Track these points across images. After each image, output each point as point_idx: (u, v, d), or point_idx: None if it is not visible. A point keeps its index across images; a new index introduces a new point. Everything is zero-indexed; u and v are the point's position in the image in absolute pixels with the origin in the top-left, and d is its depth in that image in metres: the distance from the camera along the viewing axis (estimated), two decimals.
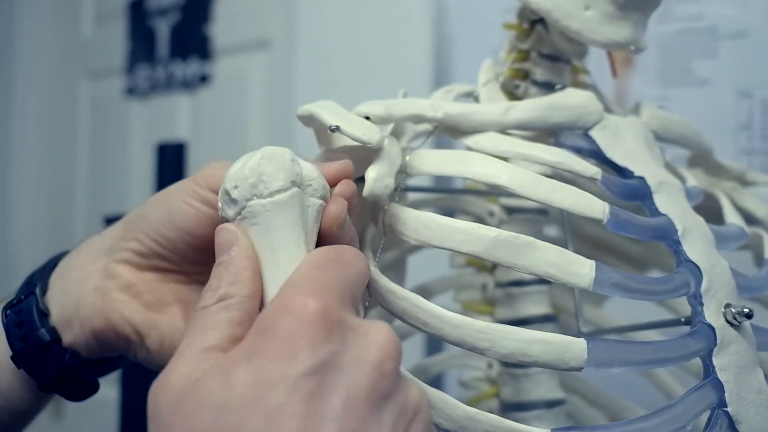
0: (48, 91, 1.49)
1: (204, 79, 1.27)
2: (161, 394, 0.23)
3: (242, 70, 1.22)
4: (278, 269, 0.26)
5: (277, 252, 0.27)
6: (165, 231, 0.35)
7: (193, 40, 1.28)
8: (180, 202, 0.34)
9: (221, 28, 1.25)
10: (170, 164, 0.80)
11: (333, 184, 0.30)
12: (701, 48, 0.73)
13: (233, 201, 0.27)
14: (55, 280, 0.37)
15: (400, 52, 0.97)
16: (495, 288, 0.44)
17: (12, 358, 0.35)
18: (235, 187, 0.27)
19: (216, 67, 1.26)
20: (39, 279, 0.37)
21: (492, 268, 0.45)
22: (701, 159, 0.45)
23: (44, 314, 0.36)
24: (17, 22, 1.47)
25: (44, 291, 0.37)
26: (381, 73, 0.98)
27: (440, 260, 0.47)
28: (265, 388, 0.21)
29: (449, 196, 0.46)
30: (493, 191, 0.43)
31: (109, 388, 0.87)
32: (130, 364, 0.39)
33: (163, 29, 1.34)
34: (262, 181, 0.27)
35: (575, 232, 0.47)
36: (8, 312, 0.36)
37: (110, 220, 0.75)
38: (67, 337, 0.36)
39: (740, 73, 0.71)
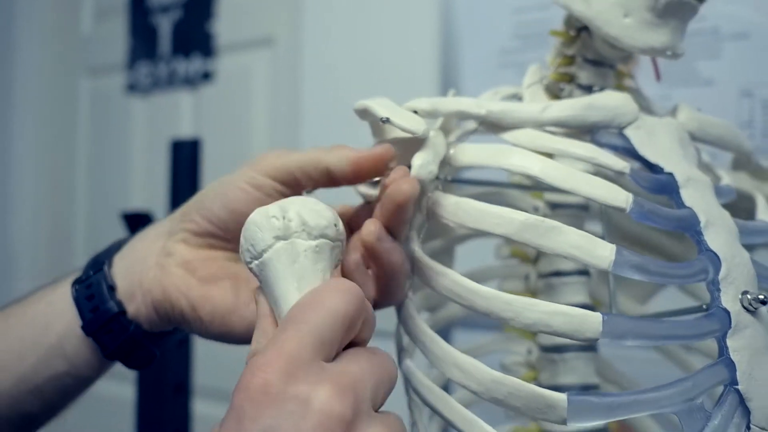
0: (48, 87, 1.46)
1: (207, 76, 1.26)
2: None
3: (246, 68, 1.21)
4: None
5: (277, 307, 0.29)
6: (218, 212, 0.39)
7: (195, 37, 1.27)
8: (234, 187, 0.39)
9: (224, 26, 1.24)
10: (185, 161, 0.80)
11: (376, 167, 0.34)
12: (704, 49, 0.73)
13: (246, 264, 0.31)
14: (120, 258, 0.42)
15: (406, 51, 0.97)
16: (537, 278, 0.47)
17: (82, 327, 0.40)
18: (242, 252, 0.31)
19: (219, 65, 1.25)
20: (106, 257, 0.42)
21: (534, 259, 0.48)
22: (743, 161, 0.46)
23: (112, 288, 0.41)
24: (16, 18, 1.44)
25: (110, 268, 0.42)
26: (387, 71, 0.98)
27: (487, 251, 0.51)
28: None
29: (496, 191, 0.49)
30: (534, 185, 0.46)
31: (126, 388, 0.90)
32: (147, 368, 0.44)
33: (165, 26, 1.33)
34: (252, 245, 0.30)
35: (618, 231, 0.50)
36: (77, 287, 0.41)
37: (128, 216, 0.78)
38: (131, 309, 0.41)
39: (742, 74, 0.72)
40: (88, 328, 0.40)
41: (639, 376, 0.49)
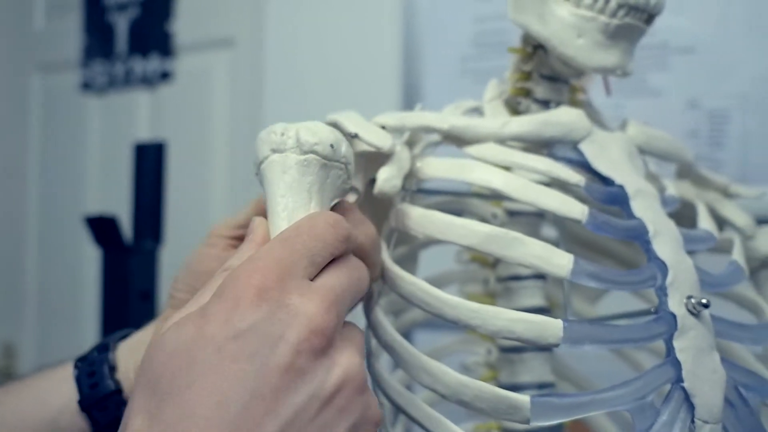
0: None
1: (165, 76, 1.25)
2: (154, 337, 0.28)
3: (206, 69, 1.21)
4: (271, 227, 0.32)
5: (269, 213, 0.32)
6: (187, 279, 0.43)
7: (153, 36, 1.27)
8: (195, 253, 0.44)
9: (184, 25, 1.23)
10: (149, 165, 0.78)
11: None
12: (654, 62, 0.78)
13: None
14: (125, 343, 0.45)
15: (369, 56, 0.98)
16: (496, 282, 0.49)
17: (79, 402, 0.42)
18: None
19: (178, 65, 1.24)
20: (112, 340, 0.45)
21: (493, 264, 0.50)
22: (686, 171, 0.50)
23: (112, 368, 0.43)
24: None
25: (114, 351, 0.44)
26: (349, 76, 0.99)
27: (448, 257, 0.53)
28: (199, 344, 0.25)
29: (457, 199, 0.52)
30: (493, 194, 0.48)
31: None
32: None
33: (121, 24, 1.32)
34: (256, 157, 0.33)
35: (572, 236, 0.52)
36: (80, 364, 0.44)
37: (91, 220, 0.77)
38: (127, 387, 0.42)
39: (689, 85, 0.76)
40: (84, 402, 0.42)
41: (591, 372, 0.52)
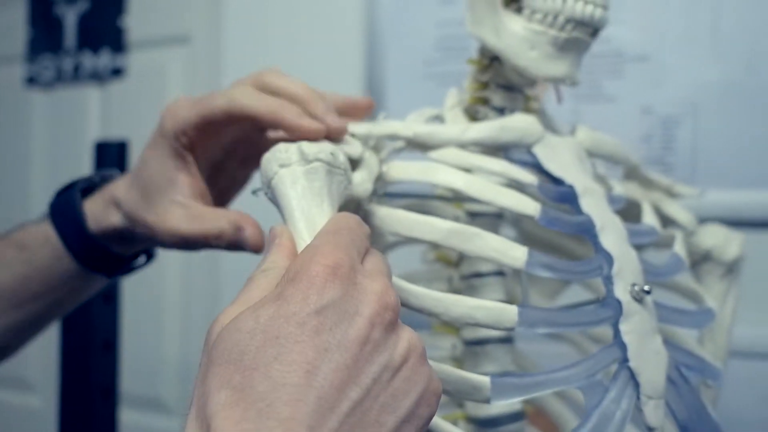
0: None
1: (117, 72, 1.22)
2: (211, 331, 0.29)
3: (160, 66, 1.18)
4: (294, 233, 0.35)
5: (286, 223, 0.35)
6: (135, 180, 0.49)
7: (104, 31, 1.23)
8: (141, 157, 0.49)
9: (137, 21, 1.21)
10: (111, 165, 0.77)
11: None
12: (609, 69, 0.82)
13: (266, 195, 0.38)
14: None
15: (331, 57, 0.99)
16: (459, 280, 0.52)
17: (50, 210, 0.50)
18: (262, 187, 0.38)
19: (131, 61, 1.21)
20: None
21: (456, 263, 0.53)
22: (632, 173, 0.53)
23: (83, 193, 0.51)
24: None
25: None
26: (310, 77, 0.98)
27: (413, 257, 0.56)
28: (281, 321, 0.27)
29: (421, 202, 0.55)
30: (456, 196, 0.51)
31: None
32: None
33: (70, 17, 1.28)
34: (264, 176, 0.37)
35: (528, 235, 0.56)
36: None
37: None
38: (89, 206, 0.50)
39: (642, 92, 0.81)
40: (53, 209, 0.49)
41: (549, 363, 0.55)
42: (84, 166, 1.19)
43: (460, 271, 0.52)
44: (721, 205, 0.74)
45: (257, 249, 0.45)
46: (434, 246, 0.54)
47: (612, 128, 0.79)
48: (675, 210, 0.53)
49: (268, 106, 0.42)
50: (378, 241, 0.52)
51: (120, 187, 0.48)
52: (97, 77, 1.24)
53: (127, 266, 0.53)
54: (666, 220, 0.53)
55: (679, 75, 0.81)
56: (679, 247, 0.46)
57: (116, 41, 1.22)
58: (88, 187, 0.51)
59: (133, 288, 0.84)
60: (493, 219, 0.52)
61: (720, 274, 0.54)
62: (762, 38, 0.78)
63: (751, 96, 0.78)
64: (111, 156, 0.77)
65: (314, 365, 0.26)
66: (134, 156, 0.88)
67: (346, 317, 0.28)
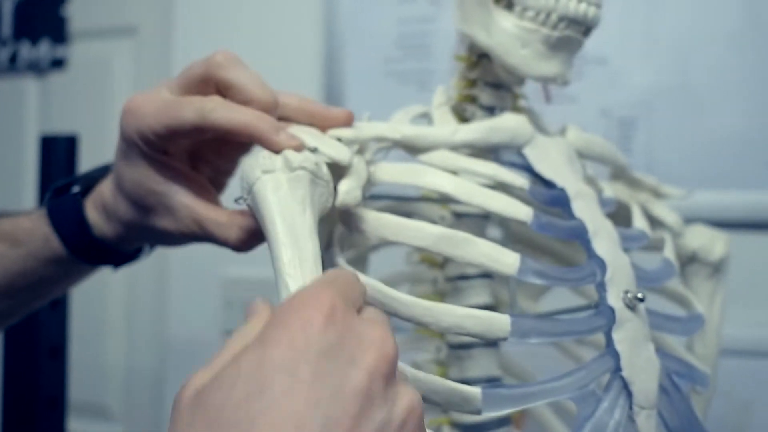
0: None
1: (58, 63, 1.17)
2: (180, 397, 0.26)
3: (105, 57, 1.15)
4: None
5: (264, 228, 0.34)
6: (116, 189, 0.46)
7: (44, 20, 1.18)
8: (116, 170, 0.46)
9: (80, 11, 1.17)
10: (58, 159, 0.73)
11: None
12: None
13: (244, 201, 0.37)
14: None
15: (288, 54, 0.97)
16: (444, 282, 0.51)
17: (48, 201, 0.48)
18: (241, 192, 0.36)
19: (73, 52, 1.17)
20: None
21: (442, 264, 0.52)
22: (620, 174, 0.53)
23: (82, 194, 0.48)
24: None
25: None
26: (266, 72, 0.97)
27: (398, 258, 0.55)
28: (267, 369, 0.24)
29: (405, 203, 0.53)
30: (443, 199, 0.50)
31: None
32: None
33: (6, 5, 1.22)
34: (245, 182, 0.36)
35: (515, 236, 0.55)
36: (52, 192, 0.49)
37: None
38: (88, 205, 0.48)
39: (601, 94, 0.81)
40: (55, 214, 0.47)
41: (536, 368, 0.54)
42: (25, 161, 1.16)
43: (446, 273, 0.51)
44: (675, 205, 0.75)
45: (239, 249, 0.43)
46: (398, 244, 0.53)
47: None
48: (662, 211, 0.53)
49: (241, 122, 0.39)
50: (361, 242, 0.51)
51: (107, 196, 0.46)
52: (36, 68, 1.19)
53: (134, 256, 0.52)
54: (653, 221, 0.52)
55: (635, 77, 0.82)
56: (669, 252, 0.45)
57: (57, 31, 1.18)
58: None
59: (76, 293, 0.81)
60: (479, 220, 0.50)
61: (707, 274, 0.54)
62: (714, 42, 0.79)
63: (703, 98, 0.79)
64: (59, 151, 0.72)
65: (304, 420, 0.23)
66: (84, 151, 0.86)
67: (343, 366, 0.25)
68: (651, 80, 0.81)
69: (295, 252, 0.32)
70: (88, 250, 0.48)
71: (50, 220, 0.47)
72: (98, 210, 0.47)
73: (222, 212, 0.42)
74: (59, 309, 0.73)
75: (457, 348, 0.50)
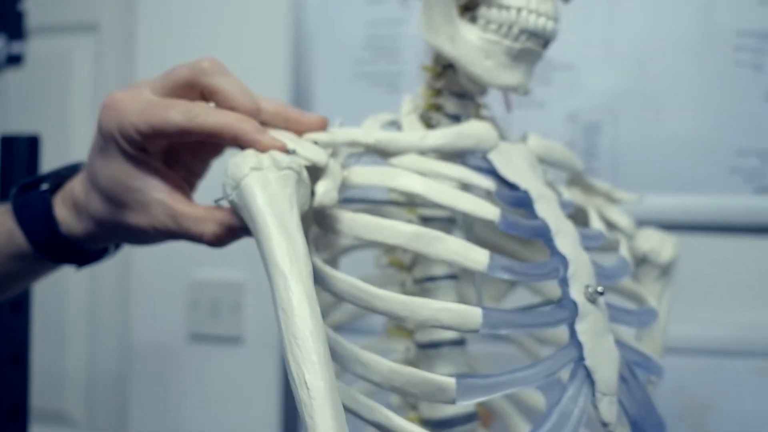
0: None
1: (14, 59, 1.12)
2: None
3: (64, 54, 1.13)
4: None
5: (252, 223, 0.36)
6: (89, 185, 0.46)
7: (0, 15, 1.12)
8: (90, 164, 0.46)
9: (38, 6, 1.13)
10: (20, 161, 0.71)
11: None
12: (537, 77, 0.86)
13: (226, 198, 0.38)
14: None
15: (255, 53, 0.97)
16: (412, 284, 0.53)
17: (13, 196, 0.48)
18: (224, 189, 0.38)
19: (31, 49, 1.12)
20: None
21: (409, 267, 0.54)
22: (576, 179, 0.56)
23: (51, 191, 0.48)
24: None
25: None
26: (233, 72, 0.95)
27: (366, 262, 0.56)
28: None
29: (375, 207, 0.55)
30: (411, 202, 0.52)
31: None
32: None
33: None
34: (232, 178, 0.37)
35: (478, 239, 0.57)
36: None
37: None
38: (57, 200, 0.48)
39: (568, 100, 0.85)
40: (20, 210, 0.47)
41: (500, 368, 0.56)
42: None
43: (413, 275, 0.53)
44: (635, 209, 0.79)
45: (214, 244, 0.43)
46: (388, 250, 0.55)
47: (539, 133, 0.84)
48: (615, 215, 0.56)
49: (227, 124, 0.40)
50: (333, 245, 0.53)
51: (79, 192, 0.47)
52: None
53: (99, 256, 0.51)
54: (608, 224, 0.55)
55: (599, 83, 0.85)
56: (624, 251, 0.48)
57: (14, 27, 1.12)
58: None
59: (36, 294, 0.80)
60: (445, 223, 0.53)
61: (656, 275, 0.57)
62: (671, 48, 0.83)
63: (662, 103, 0.83)
64: (20, 151, 0.70)
65: None
66: (46, 152, 0.84)
67: None
68: (613, 86, 0.85)
69: (289, 246, 0.33)
70: (53, 247, 0.47)
71: (15, 216, 0.47)
72: (68, 207, 0.47)
73: (198, 207, 0.43)
74: (20, 315, 0.71)
75: (426, 347, 0.51)
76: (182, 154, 0.48)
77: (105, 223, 0.45)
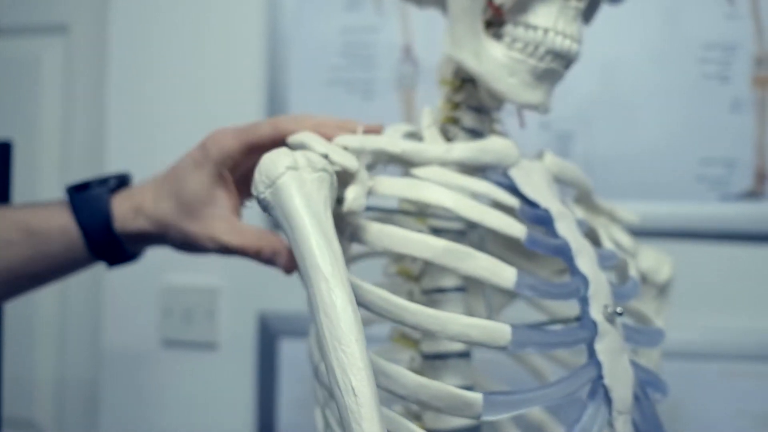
0: None
1: None
2: None
3: (33, 56, 1.10)
4: None
5: (287, 222, 0.35)
6: (171, 195, 0.53)
7: None
8: (180, 170, 0.53)
9: (6, 6, 1.11)
10: None
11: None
12: None
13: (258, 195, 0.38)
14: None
15: (230, 58, 0.96)
16: (420, 294, 0.53)
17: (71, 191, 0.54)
18: (255, 185, 0.38)
19: None
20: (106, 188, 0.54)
21: (417, 277, 0.54)
22: (584, 198, 0.57)
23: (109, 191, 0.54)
24: None
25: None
26: (207, 76, 0.96)
27: (374, 271, 0.56)
28: None
29: (385, 215, 0.55)
30: (422, 212, 0.52)
31: None
32: None
33: None
34: (266, 176, 0.36)
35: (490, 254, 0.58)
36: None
37: None
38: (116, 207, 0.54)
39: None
40: (79, 204, 0.53)
41: (501, 378, 0.57)
42: None
43: (421, 286, 0.53)
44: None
45: (289, 271, 0.50)
46: (397, 259, 0.55)
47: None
48: (619, 234, 0.57)
49: (310, 125, 0.46)
50: (345, 252, 0.52)
51: (146, 197, 0.53)
52: None
53: (129, 257, 0.57)
54: (614, 244, 0.56)
55: (571, 92, 0.86)
56: (633, 272, 0.49)
57: None
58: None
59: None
60: (456, 236, 0.53)
61: (654, 294, 0.59)
62: (638, 57, 0.85)
63: (630, 112, 0.85)
64: None
65: None
66: (18, 157, 0.81)
67: None
68: (585, 95, 0.86)
69: (329, 249, 0.33)
70: (104, 244, 0.53)
71: (73, 208, 0.53)
72: (126, 206, 0.53)
73: (253, 227, 0.51)
74: None
75: (433, 358, 0.52)
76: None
77: (166, 226, 0.51)
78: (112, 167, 0.99)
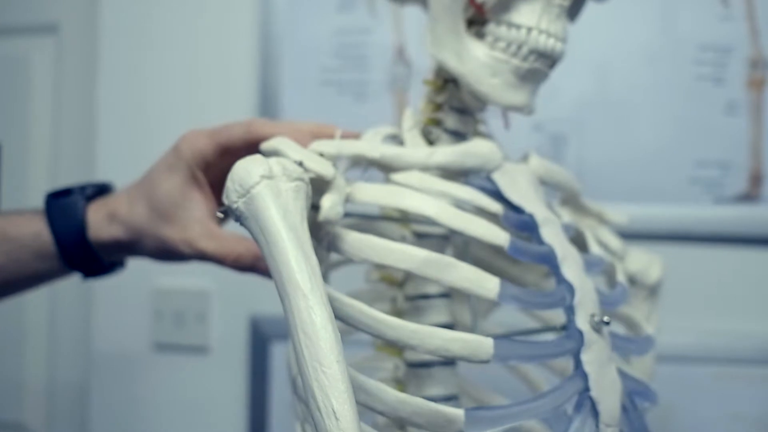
0: None
1: None
2: None
3: (22, 56, 1.09)
4: None
5: (263, 236, 0.34)
6: (143, 198, 0.52)
7: None
8: (154, 175, 0.52)
9: None
10: None
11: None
12: None
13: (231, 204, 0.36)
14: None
15: (222, 59, 0.95)
16: (404, 300, 0.52)
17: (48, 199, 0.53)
18: (228, 194, 0.36)
19: None
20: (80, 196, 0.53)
21: (401, 283, 0.53)
22: (570, 199, 0.55)
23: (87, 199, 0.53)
24: None
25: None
26: (198, 78, 0.95)
27: (356, 277, 0.55)
28: None
29: (365, 222, 0.53)
30: (405, 217, 0.50)
31: None
32: None
33: None
34: (240, 185, 0.34)
35: (471, 257, 0.56)
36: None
37: None
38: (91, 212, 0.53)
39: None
40: (53, 210, 0.52)
41: (487, 385, 0.56)
42: None
43: (405, 292, 0.52)
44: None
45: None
46: (380, 266, 0.53)
47: (506, 143, 0.85)
48: (607, 236, 0.56)
49: (286, 130, 0.46)
50: (323, 260, 0.51)
51: (121, 203, 0.52)
52: None
53: (106, 269, 0.56)
54: (601, 246, 0.55)
55: (564, 93, 0.86)
56: (621, 277, 0.48)
57: None
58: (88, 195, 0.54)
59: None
60: (439, 240, 0.51)
61: (643, 296, 0.58)
62: (632, 58, 0.84)
63: (624, 113, 0.84)
64: None
65: None
66: (7, 158, 0.80)
67: None
68: (578, 96, 0.85)
69: (307, 264, 0.31)
70: (77, 253, 0.51)
71: (47, 214, 0.52)
72: (101, 213, 0.52)
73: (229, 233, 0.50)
74: None
75: (417, 366, 0.50)
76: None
77: (141, 232, 0.50)
78: (102, 168, 0.98)
